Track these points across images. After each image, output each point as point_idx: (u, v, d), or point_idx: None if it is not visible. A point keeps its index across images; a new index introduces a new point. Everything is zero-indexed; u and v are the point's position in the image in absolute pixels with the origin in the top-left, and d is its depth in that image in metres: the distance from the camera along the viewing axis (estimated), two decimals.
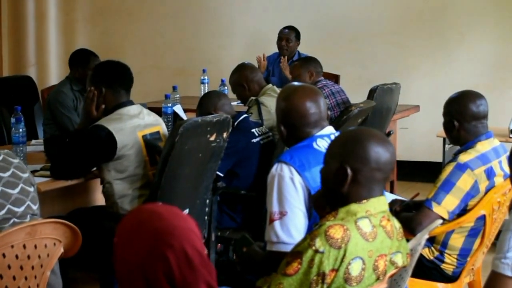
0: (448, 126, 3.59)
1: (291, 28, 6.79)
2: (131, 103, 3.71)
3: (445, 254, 3.48)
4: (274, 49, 6.90)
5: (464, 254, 3.47)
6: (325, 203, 2.45)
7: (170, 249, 1.57)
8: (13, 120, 3.93)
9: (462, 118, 3.52)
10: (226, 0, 7.98)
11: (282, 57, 6.66)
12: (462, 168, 3.37)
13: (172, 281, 1.57)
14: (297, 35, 6.81)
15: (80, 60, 5.18)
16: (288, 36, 6.73)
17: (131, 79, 3.75)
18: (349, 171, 2.26)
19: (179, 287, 1.57)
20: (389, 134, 5.37)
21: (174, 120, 4.79)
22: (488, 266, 2.40)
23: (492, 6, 7.02)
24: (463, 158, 3.41)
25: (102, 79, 3.68)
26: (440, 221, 3.15)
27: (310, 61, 5.50)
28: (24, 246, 2.65)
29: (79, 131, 3.71)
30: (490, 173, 3.41)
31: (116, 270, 1.65)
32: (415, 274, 2.86)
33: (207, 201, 3.88)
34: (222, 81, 6.20)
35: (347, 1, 7.47)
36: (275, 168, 2.71)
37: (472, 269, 3.57)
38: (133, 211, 1.71)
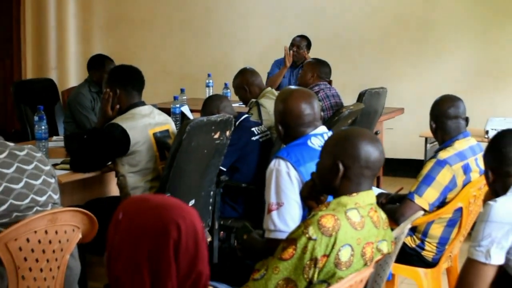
0: (430, 127, 3.61)
1: (302, 37, 6.71)
2: (143, 103, 3.71)
3: (426, 242, 3.48)
4: (272, 56, 6.88)
5: (443, 242, 3.48)
6: (309, 193, 2.48)
7: (182, 220, 1.49)
8: (36, 118, 3.94)
9: (438, 119, 3.55)
10: (229, 12, 7.99)
11: (286, 47, 6.57)
12: (441, 164, 3.39)
13: (177, 250, 1.49)
14: (308, 44, 6.69)
15: (97, 64, 5.19)
16: (299, 44, 6.67)
17: (142, 82, 3.75)
18: (341, 167, 2.26)
19: (181, 258, 1.49)
20: (376, 134, 5.36)
21: (182, 120, 4.79)
22: (465, 253, 2.41)
23: (470, 18, 7.03)
24: (443, 155, 3.42)
25: (117, 82, 3.68)
26: (422, 212, 3.15)
27: (318, 65, 5.41)
28: (46, 232, 2.66)
29: (96, 129, 3.71)
30: (466, 169, 3.42)
31: (113, 240, 1.54)
32: (398, 260, 2.87)
33: (211, 193, 3.88)
34: (225, 84, 6.20)
35: (340, 13, 7.48)
36: (273, 163, 2.71)
37: (450, 256, 3.58)
38: (134, 197, 1.62)
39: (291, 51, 6.57)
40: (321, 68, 5.39)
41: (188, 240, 1.49)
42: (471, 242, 2.34)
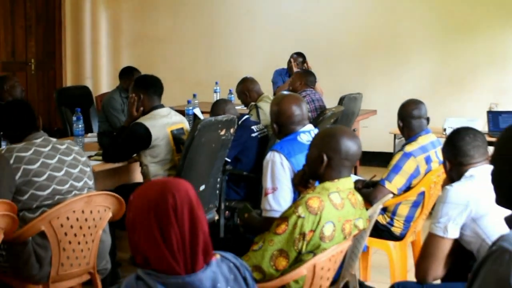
0: (398, 125, 3.61)
1: (298, 54, 6.67)
2: (162, 106, 3.70)
3: (395, 220, 3.49)
4: (270, 66, 6.86)
5: (408, 220, 3.49)
6: (299, 180, 2.47)
7: (177, 191, 1.56)
8: (74, 118, 3.93)
9: (404, 119, 3.55)
10: (234, 29, 7.97)
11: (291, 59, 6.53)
12: (407, 156, 3.39)
13: (175, 212, 1.54)
14: (303, 60, 6.69)
15: (126, 73, 5.17)
16: (295, 60, 6.66)
17: (162, 88, 3.74)
18: (325, 158, 2.27)
19: (179, 218, 1.55)
20: (353, 131, 5.34)
21: (194, 119, 4.78)
22: (427, 229, 2.42)
23: (430, 36, 7.02)
24: (408, 148, 3.42)
25: (141, 88, 3.67)
26: (391, 195, 3.16)
27: (306, 75, 5.44)
28: (83, 212, 2.66)
29: (124, 127, 3.71)
30: (428, 160, 3.42)
31: (128, 218, 1.60)
32: (372, 235, 2.88)
33: (218, 179, 3.87)
34: (230, 90, 6.18)
35: (326, 32, 7.46)
36: (269, 155, 2.71)
37: (414, 231, 3.58)
38: (142, 184, 1.70)
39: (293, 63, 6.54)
40: (308, 77, 5.42)
41: (183, 205, 1.55)
42: (432, 219, 2.34)
